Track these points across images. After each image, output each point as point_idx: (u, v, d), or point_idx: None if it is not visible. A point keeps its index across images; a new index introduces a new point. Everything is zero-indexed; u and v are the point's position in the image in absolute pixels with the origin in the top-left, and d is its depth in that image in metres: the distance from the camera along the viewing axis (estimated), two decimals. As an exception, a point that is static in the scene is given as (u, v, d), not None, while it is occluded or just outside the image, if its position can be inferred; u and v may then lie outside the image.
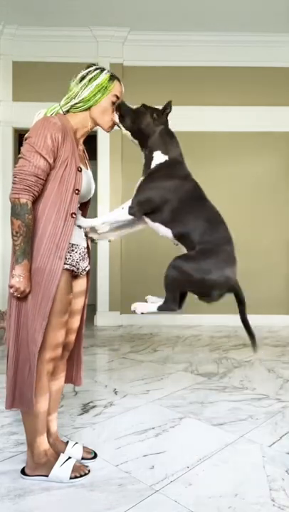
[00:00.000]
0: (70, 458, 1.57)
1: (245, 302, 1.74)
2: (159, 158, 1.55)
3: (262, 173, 4.69)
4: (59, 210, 1.46)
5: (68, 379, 1.79)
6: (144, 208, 1.54)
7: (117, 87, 1.59)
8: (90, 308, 5.22)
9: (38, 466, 1.54)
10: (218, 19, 4.30)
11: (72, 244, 1.54)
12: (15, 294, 1.43)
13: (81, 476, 1.54)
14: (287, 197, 4.70)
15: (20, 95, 4.52)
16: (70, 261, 1.52)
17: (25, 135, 1.49)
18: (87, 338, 3.94)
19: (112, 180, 4.64)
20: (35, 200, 1.46)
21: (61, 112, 1.58)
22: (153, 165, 1.54)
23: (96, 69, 1.57)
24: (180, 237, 1.55)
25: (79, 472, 1.54)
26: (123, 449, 1.78)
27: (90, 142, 4.96)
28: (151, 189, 1.52)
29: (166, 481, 1.54)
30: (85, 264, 1.63)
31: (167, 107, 1.59)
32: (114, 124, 1.62)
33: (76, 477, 1.53)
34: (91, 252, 1.71)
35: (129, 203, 1.54)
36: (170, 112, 1.60)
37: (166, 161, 1.55)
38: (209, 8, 4.11)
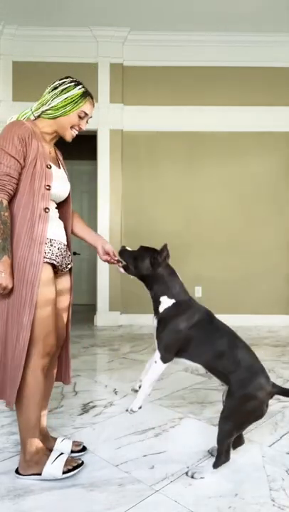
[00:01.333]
0: (61, 454, 1.58)
1: None
2: (166, 302, 1.63)
3: (262, 173, 4.69)
4: (33, 206, 1.52)
5: (57, 377, 1.80)
6: (171, 351, 1.59)
7: (87, 105, 1.64)
8: (90, 308, 5.22)
9: (30, 464, 1.54)
10: (218, 19, 4.31)
11: (50, 239, 1.58)
12: None
13: (74, 468, 1.55)
14: (287, 197, 4.70)
15: (21, 95, 4.52)
16: (49, 255, 1.56)
17: None
18: (87, 338, 3.94)
19: (112, 180, 4.64)
20: (11, 199, 1.53)
21: (32, 117, 1.66)
22: (161, 309, 1.63)
23: (71, 81, 1.63)
24: (210, 369, 1.61)
25: (71, 464, 1.56)
26: (123, 449, 1.78)
27: (90, 142, 4.97)
28: (170, 333, 1.58)
29: (166, 481, 1.54)
30: (66, 261, 1.67)
31: (164, 251, 1.66)
32: (74, 135, 1.70)
33: (69, 470, 1.54)
34: (71, 250, 1.77)
35: (158, 355, 1.59)
36: (168, 256, 1.67)
37: (173, 303, 1.63)
38: (209, 8, 4.11)
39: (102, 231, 4.63)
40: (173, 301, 1.63)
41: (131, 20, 4.36)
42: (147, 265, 1.65)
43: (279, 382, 2.65)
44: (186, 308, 1.62)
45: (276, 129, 4.68)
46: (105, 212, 4.63)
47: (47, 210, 1.54)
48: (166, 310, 1.62)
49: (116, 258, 1.77)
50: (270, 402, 2.30)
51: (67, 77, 1.65)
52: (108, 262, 1.81)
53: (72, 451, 1.70)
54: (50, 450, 1.66)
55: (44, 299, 1.52)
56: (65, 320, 1.74)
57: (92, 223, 5.97)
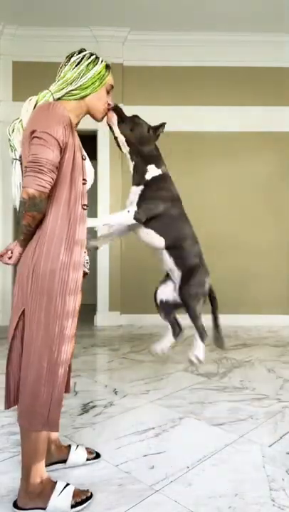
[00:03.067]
0: (68, 485, 1.41)
1: (216, 300, 2.02)
2: (153, 171, 1.67)
3: (262, 173, 4.69)
4: (75, 203, 1.38)
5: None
6: (147, 214, 1.65)
7: (111, 76, 1.56)
8: (90, 308, 5.22)
9: (32, 496, 1.36)
10: (218, 19, 4.30)
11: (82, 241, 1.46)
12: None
13: (82, 501, 1.38)
14: (287, 197, 4.70)
15: (20, 95, 4.51)
16: (83, 260, 1.46)
17: (29, 122, 1.38)
18: (87, 338, 3.94)
19: (112, 180, 4.64)
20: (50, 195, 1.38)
21: (52, 99, 1.46)
22: (148, 176, 1.66)
23: (91, 54, 1.50)
24: (171, 248, 1.76)
25: (80, 497, 1.38)
26: (123, 449, 1.78)
27: (90, 142, 4.97)
28: (154, 198, 1.65)
29: (166, 481, 1.54)
30: (89, 265, 1.58)
31: (161, 127, 1.70)
32: (106, 114, 1.60)
33: (77, 504, 1.36)
34: None
35: (134, 207, 1.63)
36: (162, 132, 1.72)
37: (160, 174, 1.68)
38: (209, 8, 4.11)
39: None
40: (160, 171, 1.68)
41: (131, 20, 4.36)
42: (145, 131, 1.67)
43: (279, 382, 2.66)
44: (170, 184, 1.73)
45: (276, 129, 4.68)
46: (105, 212, 4.63)
47: (85, 208, 1.41)
48: (154, 177, 1.67)
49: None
50: (270, 402, 2.32)
51: (82, 50, 1.51)
52: None
53: (87, 459, 1.65)
54: (63, 461, 1.62)
55: (78, 309, 1.42)
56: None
57: (92, 223, 5.97)
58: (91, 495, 1.42)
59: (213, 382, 2.66)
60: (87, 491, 1.43)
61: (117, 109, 1.63)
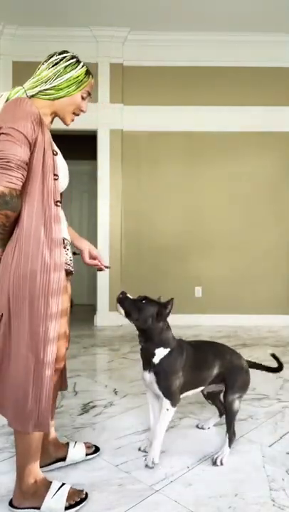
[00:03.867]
0: (63, 484, 1.39)
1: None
2: (162, 352, 1.64)
3: (262, 173, 4.69)
4: (48, 201, 1.33)
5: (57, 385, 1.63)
6: (178, 394, 1.67)
7: (90, 83, 1.50)
8: (90, 308, 5.22)
9: (26, 496, 1.35)
10: (218, 19, 4.31)
11: (64, 239, 1.43)
12: None
13: (77, 503, 1.36)
14: (287, 197, 4.70)
15: (20, 95, 4.52)
16: (66, 260, 1.43)
17: None
18: (87, 338, 3.94)
19: (112, 180, 4.64)
20: (23, 195, 1.33)
21: (25, 96, 1.41)
22: (157, 360, 1.63)
23: (72, 57, 1.45)
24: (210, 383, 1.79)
25: (74, 499, 1.36)
26: (123, 449, 1.78)
27: (90, 142, 4.97)
28: (174, 379, 1.63)
29: (166, 481, 1.54)
30: (72, 263, 1.53)
31: (169, 304, 1.63)
32: (74, 118, 1.53)
33: (71, 506, 1.34)
34: None
35: (167, 402, 1.63)
36: (171, 308, 1.64)
37: (169, 351, 1.64)
38: (209, 8, 4.11)
39: (102, 231, 4.63)
40: (168, 350, 1.65)
41: (131, 20, 4.36)
42: (150, 318, 1.61)
43: (279, 382, 2.66)
44: (178, 351, 1.67)
45: (276, 129, 4.68)
46: (105, 212, 4.63)
47: (58, 204, 1.36)
48: (163, 359, 1.63)
49: (104, 264, 1.72)
50: (270, 402, 2.32)
51: (64, 51, 1.46)
52: (93, 266, 1.71)
53: (86, 454, 1.66)
54: (63, 459, 1.62)
55: (63, 309, 1.39)
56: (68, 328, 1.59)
57: (92, 223, 5.98)
58: (86, 495, 1.40)
59: (213, 382, 2.65)
60: (82, 491, 1.41)
61: (121, 301, 1.63)
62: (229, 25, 4.41)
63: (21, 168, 1.26)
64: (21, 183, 1.27)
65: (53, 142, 1.43)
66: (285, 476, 1.57)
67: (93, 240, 4.86)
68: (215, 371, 1.74)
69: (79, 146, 5.46)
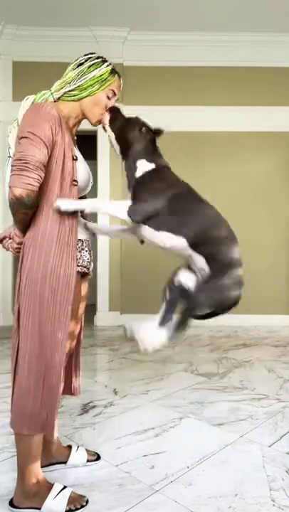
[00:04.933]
0: (65, 487, 1.39)
1: None
2: (144, 166, 1.44)
3: (262, 173, 4.69)
4: None
5: (67, 390, 1.64)
6: (145, 214, 1.40)
7: (116, 83, 1.47)
8: (90, 309, 5.22)
9: (27, 496, 1.36)
10: (218, 19, 4.30)
11: (82, 241, 1.44)
12: None
13: (77, 509, 1.35)
14: (287, 197, 4.70)
15: (20, 95, 4.44)
16: (81, 261, 1.42)
17: (20, 123, 1.37)
18: (87, 338, 3.94)
19: (112, 180, 4.64)
20: (41, 199, 1.35)
21: (51, 99, 1.44)
22: (139, 173, 1.43)
23: (98, 57, 1.45)
24: (199, 245, 1.40)
25: (75, 505, 1.35)
26: (123, 449, 1.78)
27: (90, 142, 4.97)
28: (148, 192, 1.40)
29: (166, 481, 1.54)
30: (92, 265, 1.53)
31: (160, 131, 1.50)
32: (102, 119, 1.51)
33: (72, 511, 1.34)
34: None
35: (128, 204, 1.40)
36: (160, 135, 1.52)
37: (153, 168, 1.44)
38: (209, 8, 4.11)
39: (102, 231, 4.62)
40: (153, 165, 1.43)
41: (131, 20, 4.36)
42: (135, 131, 1.48)
43: (279, 382, 2.66)
44: (167, 173, 1.45)
45: (276, 129, 4.68)
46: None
47: (75, 213, 1.37)
48: (145, 173, 1.42)
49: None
50: (270, 402, 2.32)
51: (91, 53, 1.46)
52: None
53: (87, 461, 1.65)
54: (64, 462, 1.62)
55: (72, 314, 1.39)
56: (78, 329, 1.61)
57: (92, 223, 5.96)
58: (87, 501, 1.40)
59: (213, 382, 2.65)
60: (84, 497, 1.40)
61: (113, 109, 1.50)
62: (229, 25, 4.41)
63: (39, 169, 1.27)
64: (38, 184, 1.28)
65: (75, 147, 1.44)
66: (285, 476, 1.57)
67: (93, 239, 4.85)
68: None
69: (79, 146, 5.45)
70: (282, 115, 4.66)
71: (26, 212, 1.31)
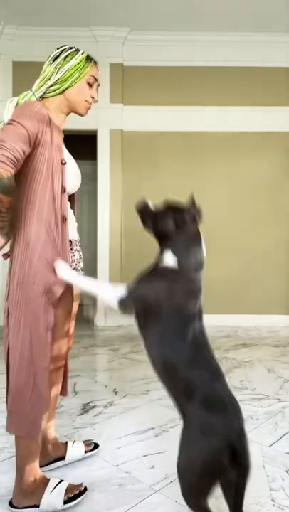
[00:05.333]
0: (61, 481, 1.41)
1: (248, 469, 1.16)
2: (169, 259, 1.28)
3: (262, 173, 4.69)
4: (55, 211, 1.34)
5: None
6: (135, 303, 1.28)
7: (94, 69, 1.46)
8: (90, 309, 5.22)
9: (26, 495, 1.37)
10: (218, 19, 4.30)
11: (71, 241, 1.43)
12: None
13: (76, 496, 1.38)
14: (287, 197, 4.70)
15: (20, 95, 4.52)
16: (70, 262, 1.41)
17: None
18: (87, 338, 3.94)
19: (112, 180, 4.64)
20: (23, 200, 1.33)
21: (34, 99, 1.43)
22: (161, 265, 1.29)
23: (71, 47, 1.44)
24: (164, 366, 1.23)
25: (73, 492, 1.39)
26: (123, 449, 1.78)
27: (90, 142, 4.97)
28: (149, 286, 1.29)
29: (166, 481, 1.54)
30: (82, 264, 1.55)
31: (196, 214, 1.35)
32: (89, 107, 1.50)
33: (70, 499, 1.37)
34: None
35: (121, 291, 1.27)
36: (199, 218, 1.35)
37: (175, 268, 1.28)
38: (209, 8, 4.11)
39: (102, 231, 4.63)
40: (176, 264, 1.26)
41: (131, 20, 4.36)
42: (170, 226, 1.30)
43: (279, 382, 2.66)
44: (183, 283, 1.27)
45: (276, 129, 4.68)
46: (105, 212, 4.63)
47: (64, 220, 1.37)
48: (164, 268, 1.28)
49: None
50: (270, 402, 2.32)
51: (62, 46, 1.45)
52: None
53: (85, 452, 1.67)
54: (62, 458, 1.62)
55: (63, 310, 1.39)
56: (72, 328, 1.59)
57: (92, 223, 5.98)
58: (85, 489, 1.42)
59: (213, 382, 2.65)
60: (81, 484, 1.43)
61: (139, 210, 1.40)
62: (229, 25, 4.41)
63: (15, 151, 1.23)
64: (11, 165, 1.22)
65: (64, 148, 1.42)
66: (285, 476, 1.57)
67: (93, 239, 4.86)
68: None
69: (79, 146, 5.45)
70: (282, 115, 4.66)
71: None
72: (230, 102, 4.67)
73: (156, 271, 1.29)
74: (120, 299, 1.26)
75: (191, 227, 1.32)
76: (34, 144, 1.30)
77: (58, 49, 1.45)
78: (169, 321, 1.22)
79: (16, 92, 4.53)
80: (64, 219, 1.36)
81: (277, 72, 4.69)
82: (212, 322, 4.58)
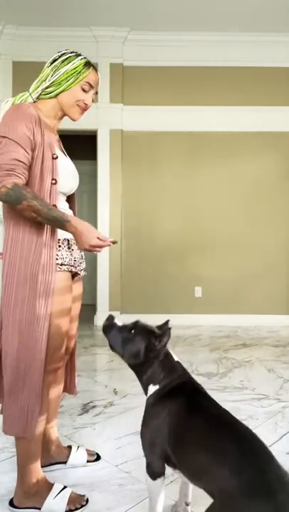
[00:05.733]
0: (64, 488, 1.39)
1: None
2: (151, 390, 1.25)
3: (262, 173, 4.69)
4: None
5: (64, 388, 1.67)
6: (159, 465, 1.18)
7: (91, 76, 1.44)
8: (90, 308, 5.22)
9: (28, 496, 1.36)
10: (218, 19, 4.30)
11: (68, 240, 1.42)
12: (98, 250, 1.28)
13: (77, 509, 1.35)
14: (287, 197, 4.70)
15: (20, 95, 4.52)
16: (67, 260, 1.39)
17: None
18: (87, 338, 3.94)
19: (112, 180, 4.64)
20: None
21: (31, 100, 1.44)
22: (148, 395, 1.25)
23: (72, 52, 1.44)
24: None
25: (75, 504, 1.36)
26: (123, 449, 1.78)
27: (90, 142, 4.97)
28: (145, 435, 1.21)
29: (166, 481, 1.53)
30: (84, 264, 1.53)
31: (165, 336, 1.21)
32: (82, 112, 1.48)
33: (72, 511, 1.35)
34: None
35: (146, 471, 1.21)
36: (168, 340, 1.23)
37: (157, 389, 1.23)
38: (209, 8, 4.11)
39: (102, 231, 4.62)
40: (157, 387, 1.23)
41: (131, 20, 4.36)
42: (142, 351, 1.23)
43: (279, 382, 2.66)
44: (170, 392, 1.20)
45: (276, 129, 4.68)
46: (105, 212, 4.63)
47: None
48: (148, 399, 1.25)
49: (109, 240, 1.34)
50: (270, 402, 2.32)
51: (66, 50, 1.46)
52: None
53: (87, 461, 1.65)
54: (63, 462, 1.62)
55: (59, 310, 1.36)
56: (74, 329, 1.58)
57: (92, 223, 5.96)
58: (87, 501, 1.40)
59: (213, 382, 2.66)
60: (84, 496, 1.40)
61: (105, 329, 1.31)
62: (229, 25, 4.41)
63: (10, 171, 1.25)
64: (11, 177, 1.25)
65: (56, 145, 1.41)
66: (285, 476, 1.57)
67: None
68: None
69: (79, 146, 5.46)
70: (282, 115, 4.66)
71: (18, 209, 1.26)
72: (231, 102, 4.67)
73: (145, 417, 1.23)
74: (150, 477, 1.20)
75: (162, 352, 1.24)
76: (33, 145, 1.31)
77: (59, 52, 1.45)
78: None
79: (16, 92, 4.53)
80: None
81: (278, 72, 4.69)
82: (212, 322, 4.61)
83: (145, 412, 1.24)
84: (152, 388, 1.24)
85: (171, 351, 1.27)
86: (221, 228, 4.68)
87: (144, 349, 1.22)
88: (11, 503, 1.38)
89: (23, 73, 4.54)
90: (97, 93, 1.51)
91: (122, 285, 4.62)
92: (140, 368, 1.26)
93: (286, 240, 4.70)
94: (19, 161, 1.27)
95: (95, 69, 1.48)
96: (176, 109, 4.64)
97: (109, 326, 1.28)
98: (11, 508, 1.37)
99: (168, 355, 1.26)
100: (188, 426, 1.10)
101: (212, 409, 1.14)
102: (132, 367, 1.29)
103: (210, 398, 1.19)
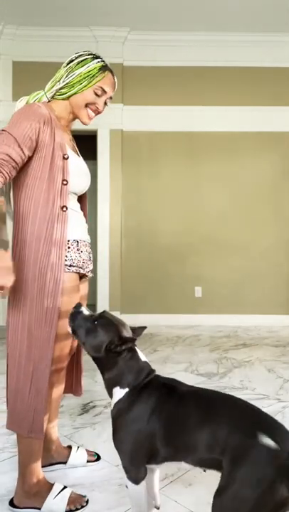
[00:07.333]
0: (65, 488, 1.39)
1: None
2: (118, 394, 1.18)
3: (262, 173, 4.69)
4: (52, 204, 1.30)
5: (67, 388, 1.67)
6: (141, 469, 1.14)
7: (106, 80, 1.43)
8: (90, 309, 5.22)
9: (28, 495, 1.36)
10: (218, 19, 4.30)
11: (77, 241, 1.40)
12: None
13: (77, 509, 1.35)
14: (287, 197, 4.70)
15: (20, 95, 4.47)
16: (76, 262, 1.38)
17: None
18: (87, 338, 3.93)
19: (112, 180, 4.64)
20: (19, 198, 1.33)
21: (45, 99, 1.44)
22: (113, 403, 1.19)
23: (89, 54, 1.42)
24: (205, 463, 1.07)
25: (75, 505, 1.36)
26: (123, 449, 1.78)
27: (90, 142, 4.97)
28: (124, 443, 1.14)
29: (166, 481, 1.54)
30: (91, 266, 1.50)
31: (129, 341, 1.17)
32: (92, 116, 1.48)
33: (72, 511, 1.35)
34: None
35: (125, 477, 1.16)
36: (133, 342, 1.19)
37: (126, 393, 1.17)
38: (209, 8, 4.11)
39: (102, 231, 4.63)
40: (125, 390, 1.17)
41: (131, 20, 4.36)
42: (103, 347, 1.18)
43: (279, 382, 2.66)
44: (142, 395, 1.15)
45: (276, 129, 4.68)
46: (105, 212, 4.63)
47: (64, 209, 1.32)
48: (117, 404, 1.18)
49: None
50: (270, 402, 2.31)
51: (86, 51, 1.43)
52: None
53: (87, 461, 1.65)
54: (63, 463, 1.62)
55: (67, 310, 1.33)
56: None
57: (92, 223, 5.97)
58: (87, 501, 1.39)
59: (213, 382, 2.65)
60: (84, 497, 1.40)
61: (72, 316, 1.25)
62: (229, 25, 4.41)
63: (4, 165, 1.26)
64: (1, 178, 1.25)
65: (68, 145, 1.40)
66: (285, 476, 1.57)
67: (93, 239, 4.85)
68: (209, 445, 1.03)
69: (79, 146, 5.45)
70: (282, 115, 4.66)
71: None
72: (230, 102, 4.67)
73: (114, 423, 1.18)
74: (130, 481, 1.15)
75: (124, 352, 1.19)
76: (33, 145, 1.30)
77: (76, 53, 1.44)
78: None
79: (15, 92, 4.54)
80: (64, 208, 1.32)
81: (278, 72, 4.68)
82: (212, 322, 4.60)
83: (117, 419, 1.16)
84: (120, 392, 1.18)
85: (138, 350, 1.24)
86: (221, 228, 4.68)
87: (105, 345, 1.17)
88: (11, 503, 1.38)
89: (23, 73, 4.54)
90: (111, 98, 1.49)
91: (122, 285, 4.62)
92: (101, 362, 1.22)
93: (286, 240, 4.70)
94: (11, 157, 1.26)
95: (112, 72, 1.45)
96: (176, 109, 4.64)
97: (76, 313, 1.24)
98: (11, 508, 1.37)
99: (134, 356, 1.21)
100: (179, 409, 1.12)
101: (191, 388, 1.21)
102: (94, 359, 1.24)
103: (181, 382, 1.24)
